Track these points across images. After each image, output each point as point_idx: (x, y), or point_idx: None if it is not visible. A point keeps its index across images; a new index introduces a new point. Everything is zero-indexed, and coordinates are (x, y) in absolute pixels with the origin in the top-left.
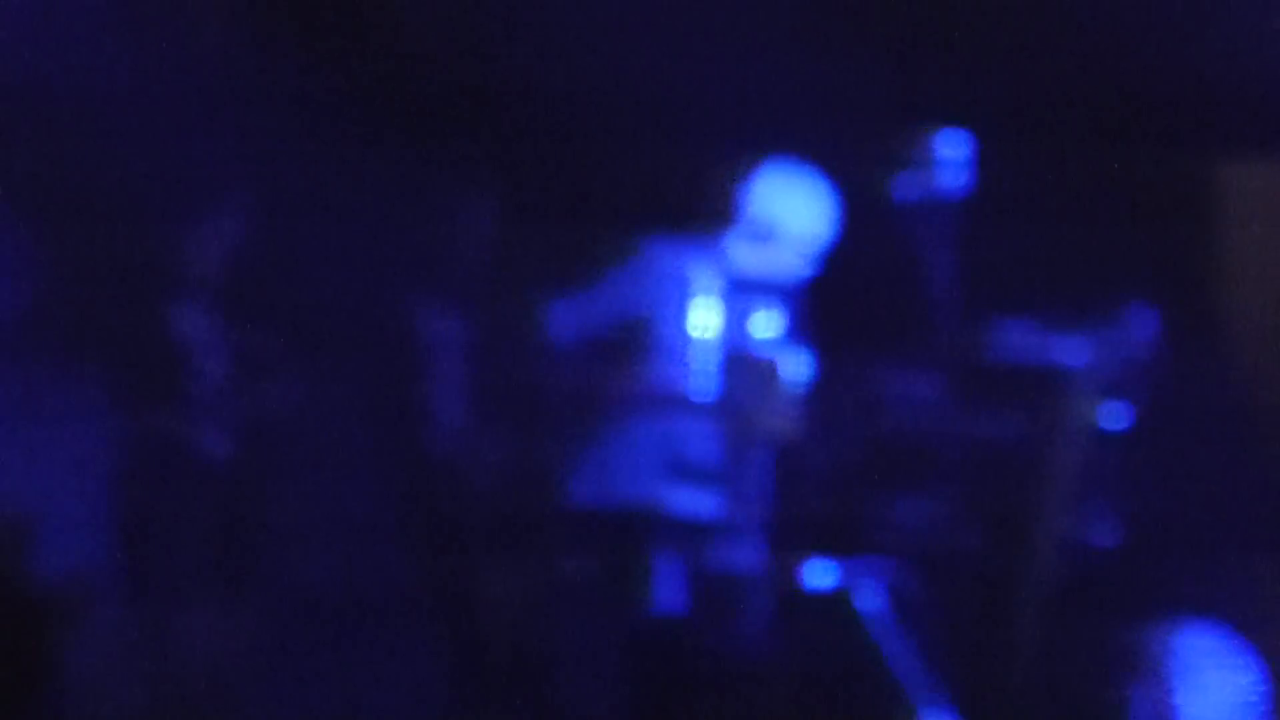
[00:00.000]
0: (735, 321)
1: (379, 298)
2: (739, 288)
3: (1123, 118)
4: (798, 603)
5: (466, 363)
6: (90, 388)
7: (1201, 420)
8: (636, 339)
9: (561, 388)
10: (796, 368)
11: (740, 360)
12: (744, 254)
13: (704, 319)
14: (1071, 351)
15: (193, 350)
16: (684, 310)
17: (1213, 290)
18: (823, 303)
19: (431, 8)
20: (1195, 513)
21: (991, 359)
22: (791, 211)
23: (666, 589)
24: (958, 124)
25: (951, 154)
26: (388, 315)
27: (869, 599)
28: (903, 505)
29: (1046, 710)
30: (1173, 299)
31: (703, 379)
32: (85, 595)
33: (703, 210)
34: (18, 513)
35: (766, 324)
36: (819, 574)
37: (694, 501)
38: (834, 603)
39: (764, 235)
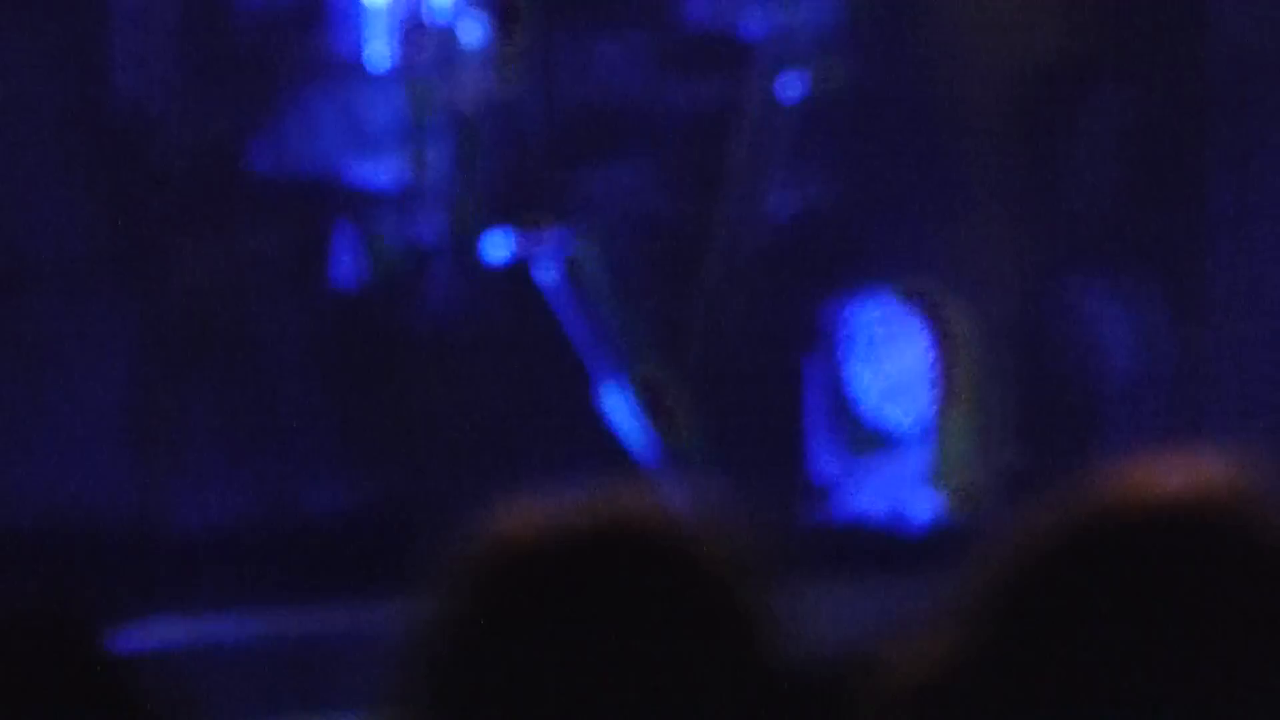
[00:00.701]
0: None
1: None
2: None
3: None
4: (478, 273)
5: (146, 30)
6: None
7: (884, 93)
8: (313, 5)
9: (240, 55)
10: (475, 34)
11: (418, 26)
12: None
13: None
14: (757, 19)
15: None
16: None
17: None
18: None
19: None
20: (875, 184)
21: (678, 26)
22: None
23: (346, 261)
24: None
25: None
26: None
27: (550, 269)
28: (587, 174)
29: (724, 380)
30: None
31: (381, 46)
32: None
33: None
34: None
35: None
36: (500, 244)
37: (374, 172)
38: (514, 273)
39: None
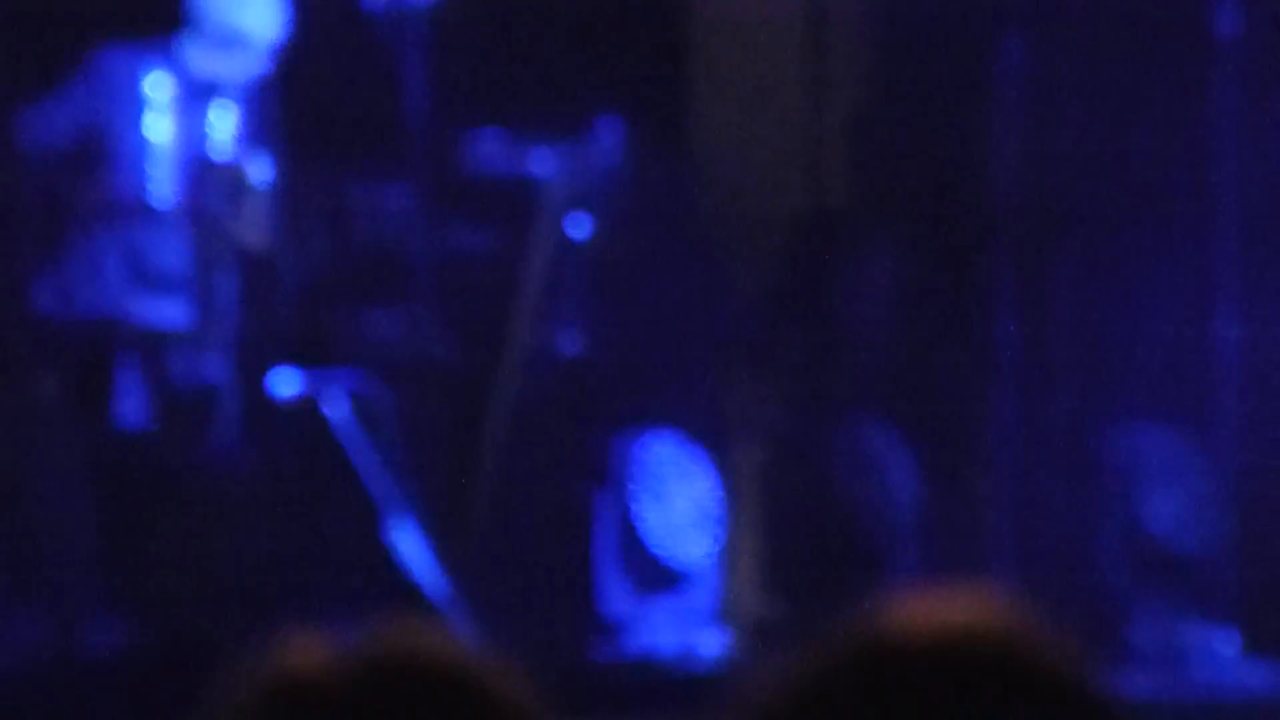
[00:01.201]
0: (195, 126)
1: None
2: (198, 91)
3: None
4: (265, 411)
5: None
6: None
7: (666, 233)
8: (96, 146)
9: (24, 197)
10: (261, 174)
11: (203, 166)
12: (201, 57)
13: (163, 124)
14: (542, 163)
15: None
16: (142, 115)
17: (677, 104)
18: (291, 109)
19: None
20: (657, 323)
21: (463, 170)
22: (248, 13)
23: (132, 400)
24: None
25: None
26: None
27: (336, 408)
28: (373, 315)
29: (512, 518)
30: (639, 112)
31: (165, 186)
32: None
33: (156, 13)
34: None
35: (228, 128)
36: (286, 383)
37: (160, 311)
38: (301, 411)
39: (221, 38)
